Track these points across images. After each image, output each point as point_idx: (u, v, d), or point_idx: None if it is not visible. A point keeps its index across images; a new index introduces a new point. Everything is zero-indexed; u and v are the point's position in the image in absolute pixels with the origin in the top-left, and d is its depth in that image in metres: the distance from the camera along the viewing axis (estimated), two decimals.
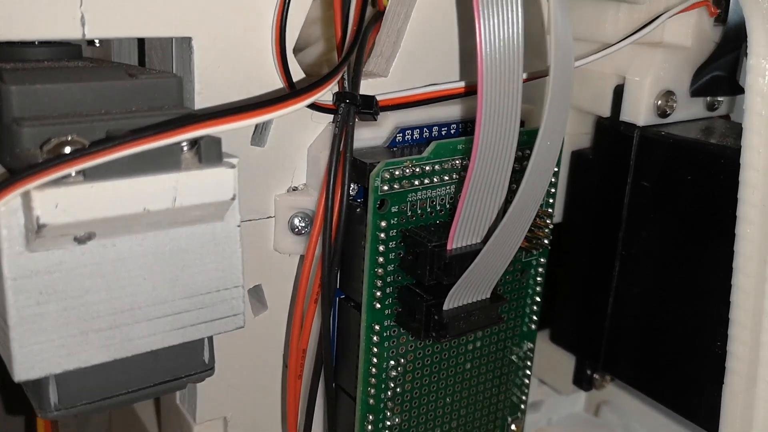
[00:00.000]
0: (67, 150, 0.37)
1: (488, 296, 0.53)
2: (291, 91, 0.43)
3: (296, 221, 0.53)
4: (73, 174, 0.37)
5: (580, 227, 0.63)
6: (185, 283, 0.43)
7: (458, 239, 0.49)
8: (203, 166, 0.40)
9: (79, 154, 0.36)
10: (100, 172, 0.37)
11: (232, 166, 0.41)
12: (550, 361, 0.68)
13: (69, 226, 0.37)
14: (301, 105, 0.44)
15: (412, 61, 0.54)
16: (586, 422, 0.76)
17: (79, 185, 0.36)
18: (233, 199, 0.41)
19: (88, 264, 0.39)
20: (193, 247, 0.42)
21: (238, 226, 0.44)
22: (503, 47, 0.43)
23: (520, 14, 0.43)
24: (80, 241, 0.38)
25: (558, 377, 0.68)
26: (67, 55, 0.48)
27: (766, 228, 0.49)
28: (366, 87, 0.52)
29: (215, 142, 0.41)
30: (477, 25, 0.43)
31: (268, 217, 0.53)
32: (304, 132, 0.52)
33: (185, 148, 0.40)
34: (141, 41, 0.55)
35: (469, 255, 0.49)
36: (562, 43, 0.43)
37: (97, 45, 0.55)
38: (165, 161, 0.39)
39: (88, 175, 0.37)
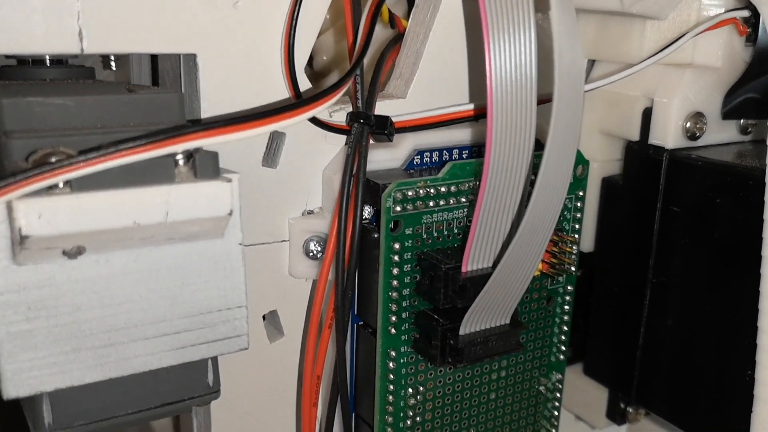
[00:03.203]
0: (53, 160, 0.36)
1: (507, 322, 0.51)
2: (290, 103, 0.42)
3: (311, 245, 0.52)
4: (61, 185, 0.36)
5: (611, 255, 0.61)
6: (184, 302, 0.42)
7: (473, 262, 0.48)
8: (198, 180, 0.39)
9: (63, 163, 0.35)
10: (87, 183, 0.36)
11: (228, 181, 0.40)
12: (583, 395, 0.66)
13: (54, 239, 0.36)
14: (302, 117, 0.43)
15: (431, 82, 0.54)
16: None
17: (64, 196, 0.36)
18: (230, 214, 0.40)
19: (80, 279, 0.39)
20: (192, 265, 0.42)
21: (240, 244, 0.43)
22: (515, 69, 0.42)
23: (532, 34, 0.42)
24: (70, 255, 0.38)
25: (592, 411, 0.66)
26: (78, 76, 0.48)
27: None
28: (385, 109, 0.51)
29: (211, 156, 0.40)
30: (486, 46, 0.42)
31: (282, 241, 0.52)
32: (318, 154, 0.51)
33: (180, 162, 0.39)
34: (155, 64, 0.55)
35: (484, 278, 0.47)
36: (567, 63, 0.42)
37: (114, 68, 0.54)
38: (157, 174, 0.38)
39: (75, 187, 0.36)
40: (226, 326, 0.43)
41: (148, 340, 0.41)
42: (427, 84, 0.53)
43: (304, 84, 0.49)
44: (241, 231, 0.42)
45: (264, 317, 0.53)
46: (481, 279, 0.47)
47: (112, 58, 0.53)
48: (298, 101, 0.43)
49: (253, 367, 0.53)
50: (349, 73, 0.47)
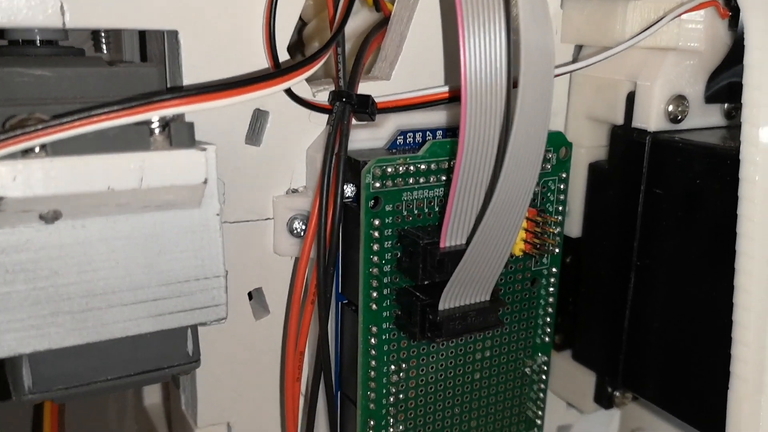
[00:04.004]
0: (29, 125, 0.37)
1: (487, 299, 0.52)
2: (267, 74, 0.43)
3: (296, 223, 0.52)
4: (37, 149, 0.37)
5: (598, 240, 0.62)
6: (162, 270, 0.43)
7: (451, 238, 0.49)
8: (172, 149, 0.40)
9: (37, 127, 0.36)
10: (63, 147, 0.37)
11: (203, 150, 0.41)
12: (573, 380, 0.67)
13: (29, 201, 0.37)
14: (278, 88, 0.44)
15: (414, 64, 0.54)
16: None
17: (39, 159, 0.37)
18: (205, 183, 0.41)
19: (57, 245, 0.40)
20: (169, 234, 0.43)
21: (218, 215, 0.44)
22: (488, 52, 0.43)
23: (504, 17, 0.43)
24: (47, 219, 0.39)
25: (580, 396, 0.67)
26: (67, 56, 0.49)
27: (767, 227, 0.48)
28: (369, 90, 0.52)
29: (186, 125, 0.41)
30: (460, 29, 0.43)
31: (266, 219, 0.53)
32: (302, 133, 0.52)
33: (156, 131, 0.40)
34: (144, 45, 0.56)
35: (461, 253, 0.48)
36: (533, 39, 0.42)
37: (105, 51, 0.55)
38: (133, 141, 0.40)
39: (50, 151, 0.37)
40: (204, 295, 0.44)
41: (126, 307, 0.42)
42: (411, 66, 0.54)
43: (285, 59, 0.50)
44: (219, 202, 0.43)
45: (249, 294, 0.54)
46: (458, 254, 0.48)
47: (103, 39, 0.54)
48: (274, 72, 0.44)
49: (239, 344, 0.54)
50: (328, 44, 0.48)
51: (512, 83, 0.44)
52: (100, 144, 0.38)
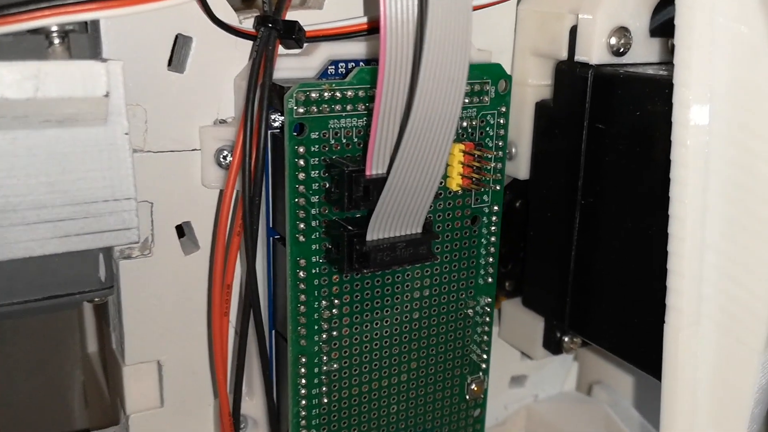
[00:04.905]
0: None
1: (419, 231, 0.50)
2: None
3: (224, 154, 0.51)
4: None
5: (544, 181, 0.60)
6: (67, 190, 0.42)
7: (377, 165, 0.47)
8: (71, 59, 0.39)
9: None
10: None
11: (104, 61, 0.40)
12: (522, 327, 0.66)
13: None
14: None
15: None
16: (575, 399, 0.73)
17: None
18: (106, 96, 0.40)
19: None
20: (74, 152, 0.41)
21: (126, 133, 0.42)
22: None
23: None
24: None
25: (530, 343, 0.65)
26: None
27: (701, 154, 0.46)
28: (301, 19, 0.50)
29: (86, 36, 0.40)
30: None
31: (193, 150, 0.51)
32: (228, 62, 0.51)
33: (56, 42, 0.39)
34: None
35: (385, 180, 0.47)
36: None
37: None
38: (29, 51, 0.39)
39: None
40: (113, 218, 0.43)
41: (29, 226, 0.41)
42: None
43: None
44: (127, 120, 0.42)
45: (178, 228, 0.52)
46: (383, 182, 0.47)
47: None
48: None
49: (167, 279, 0.53)
50: None
51: None
52: None
